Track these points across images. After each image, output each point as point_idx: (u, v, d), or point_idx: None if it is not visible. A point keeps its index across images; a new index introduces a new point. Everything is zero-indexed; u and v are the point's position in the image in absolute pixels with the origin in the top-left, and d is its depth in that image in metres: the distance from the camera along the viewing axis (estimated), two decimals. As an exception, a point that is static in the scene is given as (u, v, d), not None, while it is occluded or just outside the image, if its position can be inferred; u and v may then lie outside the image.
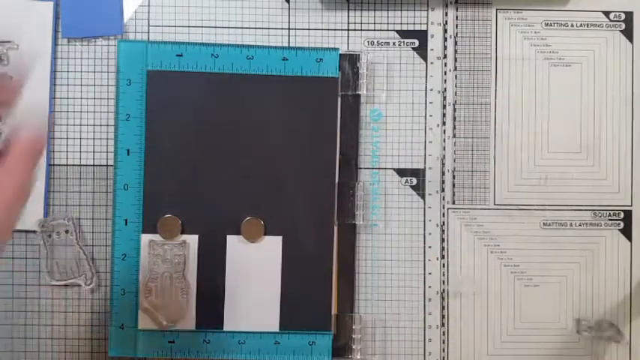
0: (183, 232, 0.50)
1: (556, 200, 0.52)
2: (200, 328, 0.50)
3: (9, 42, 0.50)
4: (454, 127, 0.52)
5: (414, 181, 0.52)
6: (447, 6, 0.52)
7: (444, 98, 0.52)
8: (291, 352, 0.50)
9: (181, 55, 0.50)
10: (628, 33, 0.53)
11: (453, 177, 0.52)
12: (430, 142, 0.52)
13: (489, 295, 0.52)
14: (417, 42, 0.52)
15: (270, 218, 0.50)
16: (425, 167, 0.52)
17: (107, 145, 0.51)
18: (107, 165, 0.51)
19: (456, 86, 0.52)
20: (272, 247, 0.50)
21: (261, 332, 0.50)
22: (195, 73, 0.50)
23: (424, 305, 0.52)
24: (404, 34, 0.52)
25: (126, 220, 0.50)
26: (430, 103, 0.52)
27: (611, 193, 0.53)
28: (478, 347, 0.52)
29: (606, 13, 0.53)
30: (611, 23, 0.53)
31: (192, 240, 0.50)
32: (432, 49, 0.52)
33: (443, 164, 0.52)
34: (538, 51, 0.52)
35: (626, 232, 0.52)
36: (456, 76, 0.52)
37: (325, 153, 0.51)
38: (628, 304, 0.52)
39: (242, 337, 0.50)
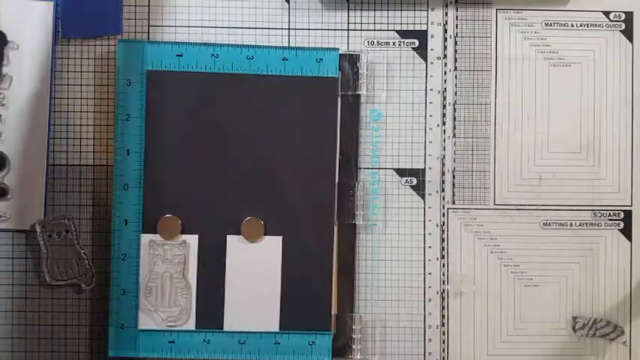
0: (183, 232, 0.50)
1: (556, 200, 0.52)
2: (200, 328, 0.50)
3: (9, 42, 0.50)
4: (454, 127, 0.52)
5: (414, 181, 0.52)
6: (447, 6, 0.52)
7: (444, 98, 0.52)
8: (291, 352, 0.50)
9: (181, 55, 0.50)
10: (628, 33, 0.53)
11: (453, 177, 0.52)
12: (430, 142, 0.52)
13: (489, 295, 0.52)
14: (417, 42, 0.52)
15: (270, 218, 0.50)
16: (425, 167, 0.52)
17: (107, 145, 0.51)
18: (107, 165, 0.51)
19: (456, 86, 0.52)
20: (272, 247, 0.50)
21: (261, 332, 0.50)
22: (195, 73, 0.50)
23: (424, 305, 0.52)
24: (404, 34, 0.52)
25: (126, 220, 0.50)
26: (430, 103, 0.52)
27: (611, 193, 0.53)
28: (478, 347, 0.52)
29: (606, 13, 0.53)
30: (611, 23, 0.53)
31: (192, 240, 0.50)
32: (432, 49, 0.52)
33: (443, 164, 0.52)
34: (538, 51, 0.52)
35: (626, 232, 0.52)
36: (456, 76, 0.52)
37: (325, 153, 0.51)
38: (628, 304, 0.52)
39: (242, 337, 0.50)
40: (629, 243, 0.52)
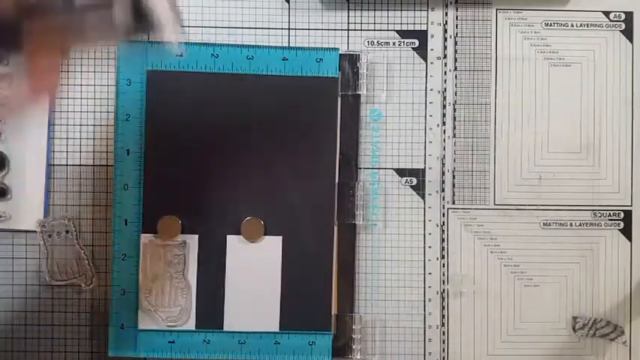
0: (183, 232, 0.50)
1: (556, 200, 0.52)
2: (200, 328, 0.50)
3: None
4: (454, 127, 0.52)
5: (414, 181, 0.52)
6: (447, 6, 0.52)
7: (444, 98, 0.52)
8: (291, 352, 0.50)
9: (181, 55, 0.50)
10: (628, 33, 0.53)
11: (453, 177, 0.52)
12: (430, 142, 0.52)
13: (489, 295, 0.52)
14: (417, 42, 0.52)
15: (270, 218, 0.50)
16: (425, 167, 0.52)
17: (107, 145, 0.51)
18: (107, 165, 0.51)
19: (456, 86, 0.52)
20: (272, 247, 0.50)
21: (261, 332, 0.50)
22: (195, 73, 0.50)
23: (424, 305, 0.52)
24: (404, 34, 0.52)
25: (126, 220, 0.50)
26: (430, 103, 0.52)
27: (611, 193, 0.53)
28: (478, 347, 0.52)
29: (606, 13, 0.53)
30: (611, 23, 0.53)
31: (192, 240, 0.50)
32: (432, 49, 0.52)
33: (443, 164, 0.52)
34: (538, 51, 0.52)
35: (626, 232, 0.52)
36: (456, 76, 0.52)
37: (325, 153, 0.51)
38: (628, 304, 0.52)
39: (242, 337, 0.50)
40: (629, 243, 0.52)
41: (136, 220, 0.50)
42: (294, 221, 0.51)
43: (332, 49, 0.51)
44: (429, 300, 0.52)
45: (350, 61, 0.51)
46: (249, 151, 0.50)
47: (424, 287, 0.52)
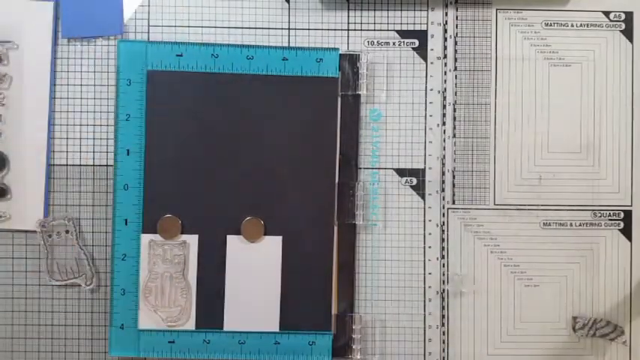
0: (183, 232, 0.50)
1: (556, 200, 0.52)
2: (200, 328, 0.50)
3: (9, 42, 0.50)
4: (454, 127, 0.52)
5: (414, 181, 0.52)
6: (447, 6, 0.52)
7: (444, 98, 0.52)
8: (291, 352, 0.50)
9: (181, 55, 0.50)
10: (628, 33, 0.53)
11: (453, 177, 0.52)
12: (430, 142, 0.52)
13: (489, 295, 0.52)
14: (417, 42, 0.52)
15: (270, 218, 0.50)
16: (425, 167, 0.52)
17: (107, 145, 0.51)
18: (107, 165, 0.51)
19: (456, 86, 0.52)
20: (272, 247, 0.50)
21: (261, 332, 0.50)
22: (195, 73, 0.50)
23: (424, 305, 0.52)
24: (404, 34, 0.52)
25: (126, 220, 0.50)
26: (430, 103, 0.52)
27: (611, 193, 0.53)
28: (478, 347, 0.52)
29: (606, 13, 0.53)
30: (611, 23, 0.53)
31: (192, 240, 0.50)
32: (432, 49, 0.52)
33: (443, 164, 0.52)
34: (538, 51, 0.52)
35: (626, 232, 0.52)
36: (456, 76, 0.52)
37: (325, 153, 0.51)
38: (628, 304, 0.52)
39: (242, 337, 0.50)
40: (629, 243, 0.52)
41: (136, 220, 0.50)
42: (294, 221, 0.51)
43: (332, 49, 0.51)
44: (429, 300, 0.52)
45: (350, 61, 0.51)
46: (249, 151, 0.50)
47: (424, 287, 0.52)
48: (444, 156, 0.52)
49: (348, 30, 0.52)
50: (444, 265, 0.52)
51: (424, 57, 0.52)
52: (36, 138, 0.51)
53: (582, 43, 0.52)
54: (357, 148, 0.52)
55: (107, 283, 0.51)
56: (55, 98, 0.51)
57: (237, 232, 0.50)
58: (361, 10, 0.52)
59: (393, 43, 0.52)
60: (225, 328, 0.50)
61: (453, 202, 0.52)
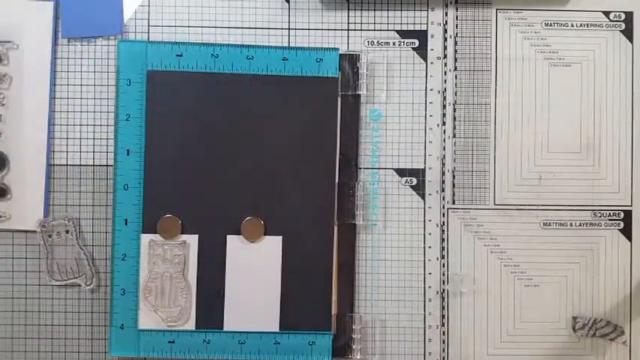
0: (183, 232, 0.50)
1: (556, 200, 0.52)
2: (200, 328, 0.50)
3: (9, 42, 0.50)
4: (454, 127, 0.52)
5: (414, 181, 0.52)
6: (447, 6, 0.52)
7: (444, 98, 0.52)
8: (291, 352, 0.50)
9: (181, 55, 0.50)
10: (628, 33, 0.53)
11: (453, 177, 0.52)
12: (430, 142, 0.52)
13: (489, 295, 0.52)
14: (417, 42, 0.52)
15: (270, 218, 0.50)
16: (425, 167, 0.52)
17: (107, 145, 0.51)
18: (107, 165, 0.51)
19: (456, 86, 0.52)
20: (272, 247, 0.51)
21: (261, 332, 0.50)
22: (195, 73, 0.50)
23: (424, 305, 0.52)
24: (404, 34, 0.52)
25: (126, 220, 0.50)
26: (430, 103, 0.52)
27: (611, 193, 0.53)
28: (478, 347, 0.52)
29: (606, 13, 0.53)
30: (611, 23, 0.53)
31: (192, 240, 0.50)
32: (432, 49, 0.52)
33: (443, 164, 0.52)
34: (538, 51, 0.52)
35: (626, 232, 0.52)
36: (456, 76, 0.52)
37: (325, 153, 0.51)
38: (628, 304, 0.52)
39: (242, 337, 0.50)
40: (629, 243, 0.52)
41: (136, 220, 0.50)
42: (294, 221, 0.51)
43: (332, 49, 0.51)
44: (429, 300, 0.52)
45: (350, 61, 0.51)
46: (249, 151, 0.50)
47: (424, 287, 0.52)
48: (444, 156, 0.52)
49: (348, 30, 0.52)
50: (444, 265, 0.52)
51: (424, 57, 0.52)
52: (36, 138, 0.51)
53: (582, 43, 0.52)
54: (357, 148, 0.52)
55: (107, 283, 0.51)
56: (55, 98, 0.51)
57: (237, 232, 0.50)
58: (361, 10, 0.52)
59: (393, 43, 0.52)
60: (225, 328, 0.50)
61: (453, 202, 0.52)
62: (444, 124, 0.52)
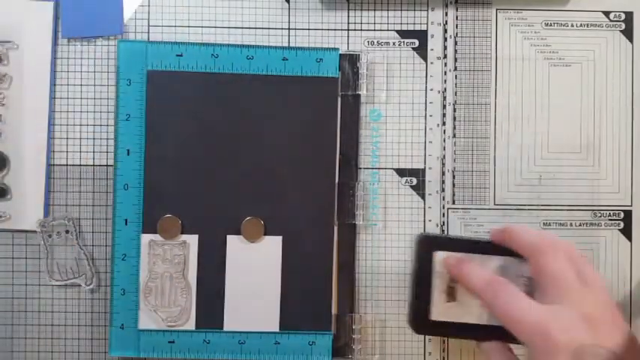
0: (183, 232, 0.50)
1: (556, 200, 0.52)
2: (200, 328, 0.50)
3: (9, 42, 0.50)
4: (454, 127, 0.52)
5: (414, 181, 0.52)
6: (447, 6, 0.52)
7: (444, 98, 0.52)
8: (291, 352, 0.50)
9: (181, 55, 0.50)
10: (628, 33, 0.53)
11: (453, 177, 0.52)
12: (430, 142, 0.52)
13: (489, 295, 0.52)
14: (417, 42, 0.52)
15: (270, 218, 0.50)
16: (425, 167, 0.52)
17: (107, 145, 0.51)
18: (107, 165, 0.51)
19: (456, 86, 0.52)
20: (272, 247, 0.50)
21: (261, 332, 0.50)
22: (195, 73, 0.50)
23: (424, 305, 0.52)
24: (404, 34, 0.52)
25: (126, 220, 0.50)
26: (430, 103, 0.52)
27: (611, 193, 0.53)
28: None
29: (606, 13, 0.53)
30: (611, 23, 0.53)
31: (192, 240, 0.50)
32: (432, 49, 0.52)
33: (443, 164, 0.52)
34: (538, 51, 0.52)
35: (626, 232, 0.52)
36: (456, 76, 0.52)
37: (325, 153, 0.51)
38: (628, 304, 0.52)
39: (242, 337, 0.50)
40: (629, 243, 0.52)
41: (136, 220, 0.50)
42: (294, 221, 0.51)
43: (332, 49, 0.51)
44: (429, 300, 0.52)
45: (350, 61, 0.51)
46: (249, 151, 0.50)
47: (424, 287, 0.52)
48: (444, 156, 0.52)
49: (348, 30, 0.52)
50: (444, 265, 0.52)
51: (424, 57, 0.52)
52: (36, 138, 0.51)
53: (582, 43, 0.52)
54: (357, 148, 0.52)
55: (107, 283, 0.51)
56: (55, 98, 0.51)
57: (237, 232, 0.50)
58: (361, 10, 0.52)
59: (393, 43, 0.52)
60: (225, 328, 0.50)
61: (453, 202, 0.52)
62: (444, 124, 0.52)
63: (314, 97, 0.51)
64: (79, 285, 0.51)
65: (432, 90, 0.52)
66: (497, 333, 0.43)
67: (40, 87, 0.51)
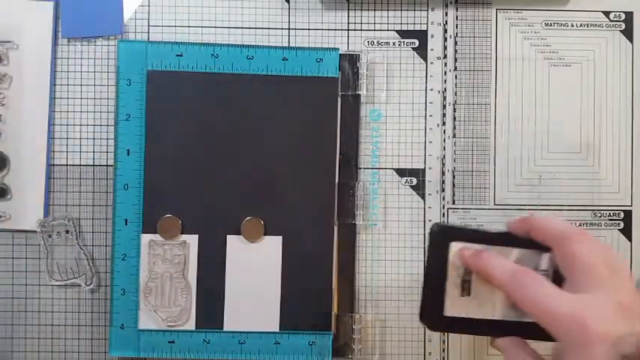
0: (183, 232, 0.50)
1: (556, 200, 0.52)
2: (200, 328, 0.50)
3: (9, 42, 0.50)
4: (454, 127, 0.52)
5: (414, 181, 0.52)
6: (447, 6, 0.52)
7: (444, 98, 0.52)
8: (291, 352, 0.50)
9: (181, 55, 0.50)
10: (628, 33, 0.53)
11: (453, 177, 0.52)
12: (430, 142, 0.52)
13: (489, 295, 0.52)
14: (417, 42, 0.52)
15: (270, 218, 0.50)
16: (425, 167, 0.52)
17: (107, 145, 0.51)
18: (107, 165, 0.51)
19: (456, 86, 0.52)
20: (272, 247, 0.50)
21: (261, 332, 0.50)
22: (195, 73, 0.50)
23: (424, 305, 0.52)
24: (404, 34, 0.52)
25: (126, 220, 0.50)
26: (430, 103, 0.52)
27: (611, 193, 0.53)
28: (478, 347, 0.52)
29: (606, 13, 0.53)
30: (611, 23, 0.53)
31: (192, 240, 0.50)
32: (432, 49, 0.52)
33: (443, 164, 0.52)
34: (538, 51, 0.52)
35: (626, 232, 0.52)
36: (456, 76, 0.52)
37: (325, 153, 0.51)
38: (628, 304, 0.52)
39: (242, 337, 0.50)
40: (629, 243, 0.52)
41: (136, 220, 0.50)
42: (294, 221, 0.51)
43: (332, 49, 0.51)
44: (429, 300, 0.52)
45: (350, 61, 0.51)
46: (249, 151, 0.50)
47: (424, 287, 0.52)
48: (444, 156, 0.52)
49: (348, 30, 0.52)
50: (444, 265, 0.52)
51: (424, 57, 0.52)
52: (36, 138, 0.51)
53: (582, 43, 0.52)
54: (357, 148, 0.52)
55: (107, 283, 0.51)
56: (55, 98, 0.51)
57: (237, 232, 0.50)
58: (361, 10, 0.52)
59: (393, 43, 0.52)
60: (225, 328, 0.50)
61: (453, 202, 0.52)
62: (444, 124, 0.52)
63: (314, 97, 0.51)
64: (79, 285, 0.51)
65: (432, 90, 0.52)
66: (514, 329, 0.42)
67: (40, 87, 0.51)
